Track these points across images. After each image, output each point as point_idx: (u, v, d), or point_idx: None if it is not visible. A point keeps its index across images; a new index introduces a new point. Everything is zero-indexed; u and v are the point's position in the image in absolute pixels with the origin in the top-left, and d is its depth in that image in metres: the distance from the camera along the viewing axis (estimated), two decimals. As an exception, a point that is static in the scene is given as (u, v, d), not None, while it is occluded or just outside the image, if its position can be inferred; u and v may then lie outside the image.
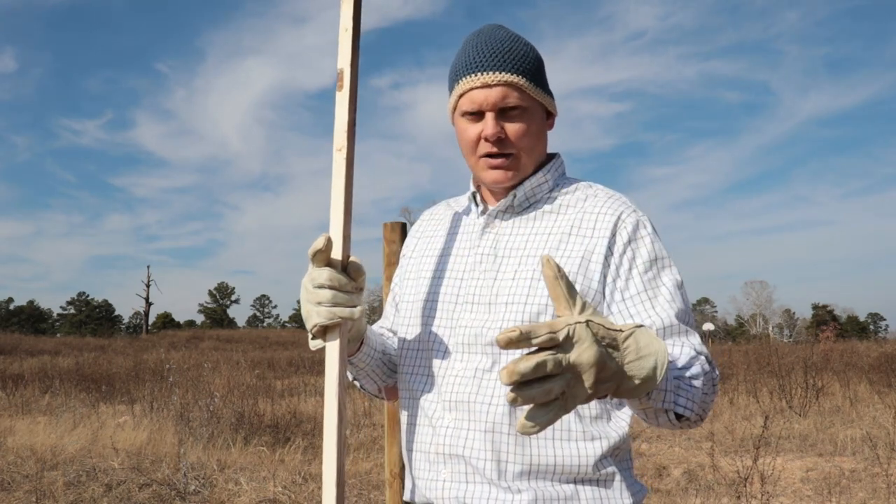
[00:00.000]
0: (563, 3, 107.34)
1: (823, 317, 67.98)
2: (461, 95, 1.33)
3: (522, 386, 0.87)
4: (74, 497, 5.16)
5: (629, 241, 1.27)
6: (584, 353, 0.90)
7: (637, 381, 0.96)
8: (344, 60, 1.28)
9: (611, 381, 0.95)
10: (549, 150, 1.45)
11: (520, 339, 0.86)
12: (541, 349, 0.89)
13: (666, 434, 8.50)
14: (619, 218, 1.29)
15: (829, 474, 6.19)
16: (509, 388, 0.88)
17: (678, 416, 1.12)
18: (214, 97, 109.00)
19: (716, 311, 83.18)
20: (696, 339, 1.23)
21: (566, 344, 0.90)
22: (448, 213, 1.49)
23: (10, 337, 36.22)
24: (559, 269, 0.96)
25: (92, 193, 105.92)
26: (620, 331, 0.96)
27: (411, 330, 1.39)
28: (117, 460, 6.03)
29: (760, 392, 11.07)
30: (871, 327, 79.85)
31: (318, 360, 22.85)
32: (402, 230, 2.84)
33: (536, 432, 0.89)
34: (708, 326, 60.67)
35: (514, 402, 0.87)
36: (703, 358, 1.20)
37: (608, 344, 0.94)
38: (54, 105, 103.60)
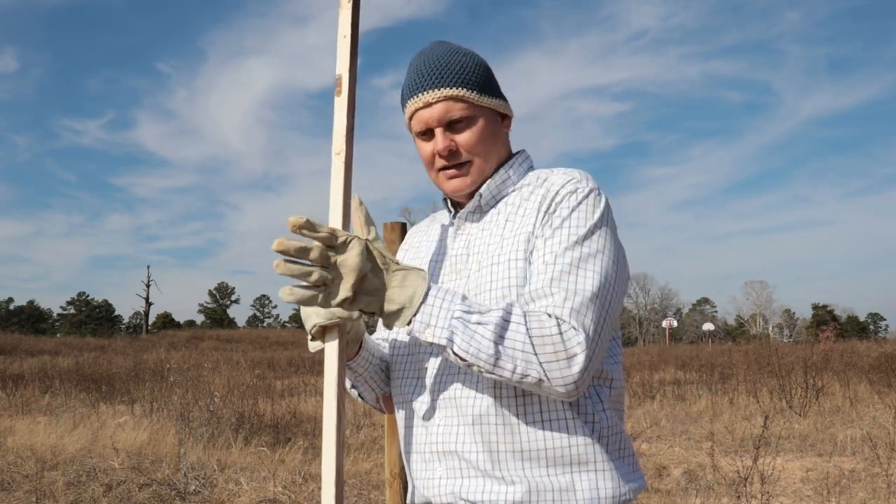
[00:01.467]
0: (565, 3, 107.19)
1: (823, 317, 67.97)
2: (410, 118, 1.40)
3: (289, 261, 1.12)
4: (74, 497, 5.16)
5: (553, 211, 1.29)
6: (349, 258, 1.14)
7: (396, 306, 1.18)
8: (342, 66, 1.30)
9: (373, 296, 1.18)
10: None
11: (302, 226, 1.10)
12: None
13: (666, 434, 8.51)
14: (557, 192, 1.31)
15: (829, 474, 6.19)
16: (280, 258, 1.12)
17: (460, 357, 1.18)
18: (216, 97, 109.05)
19: (716, 311, 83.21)
20: (551, 301, 1.20)
21: (340, 247, 1.14)
22: (432, 225, 1.55)
23: (10, 337, 36.23)
24: (360, 201, 1.26)
25: (92, 193, 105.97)
26: (397, 263, 1.19)
27: (400, 336, 1.45)
28: (117, 460, 6.03)
29: (760, 392, 11.08)
30: (871, 327, 79.85)
31: (318, 360, 22.86)
32: (402, 230, 2.84)
33: (291, 301, 1.13)
34: (708, 326, 60.73)
35: (275, 269, 1.12)
36: (530, 316, 1.17)
37: (380, 264, 1.18)
38: (55, 105, 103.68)
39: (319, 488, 5.56)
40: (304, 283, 1.14)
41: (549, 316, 1.18)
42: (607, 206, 1.32)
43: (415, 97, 1.37)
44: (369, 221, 1.24)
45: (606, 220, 1.30)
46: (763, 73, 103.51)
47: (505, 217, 1.37)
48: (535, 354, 1.15)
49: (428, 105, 1.35)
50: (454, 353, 1.18)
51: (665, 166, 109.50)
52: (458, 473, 1.30)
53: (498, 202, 1.41)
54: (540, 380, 1.16)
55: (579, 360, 1.16)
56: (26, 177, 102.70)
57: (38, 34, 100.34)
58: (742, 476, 5.30)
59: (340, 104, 1.29)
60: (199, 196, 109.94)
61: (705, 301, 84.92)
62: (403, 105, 1.41)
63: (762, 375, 12.00)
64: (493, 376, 1.19)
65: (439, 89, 1.34)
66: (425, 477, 1.35)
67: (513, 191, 1.40)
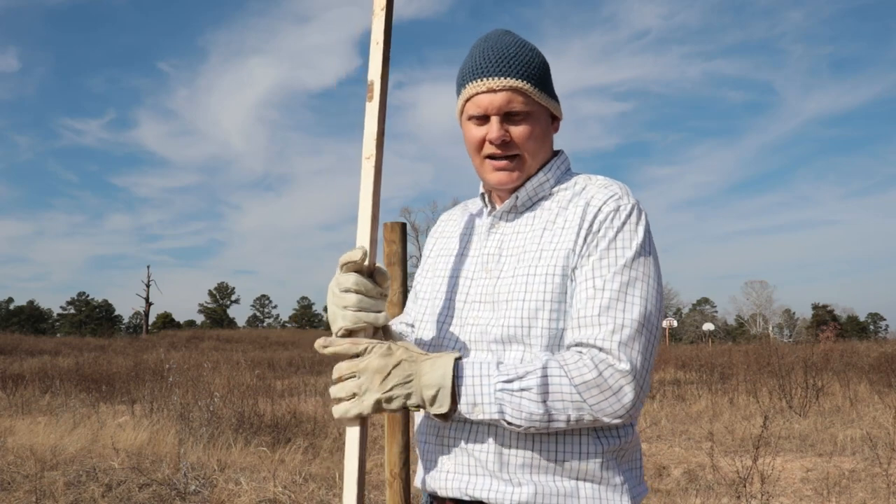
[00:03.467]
0: (567, 3, 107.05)
1: (823, 317, 67.96)
2: (468, 100, 1.38)
3: (333, 386, 1.26)
4: (74, 497, 5.16)
5: (599, 230, 1.30)
6: (371, 362, 1.22)
7: (433, 390, 1.21)
8: (374, 72, 1.33)
9: (407, 387, 1.22)
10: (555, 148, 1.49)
11: (324, 347, 1.25)
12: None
13: (666, 434, 8.50)
14: (600, 208, 1.32)
15: (829, 474, 6.19)
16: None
17: (515, 426, 1.22)
18: (217, 96, 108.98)
19: (716, 311, 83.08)
20: (598, 332, 1.23)
21: (363, 354, 1.24)
22: (464, 214, 1.56)
23: (10, 337, 36.21)
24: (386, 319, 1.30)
25: (93, 193, 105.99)
26: (424, 354, 1.24)
27: (427, 327, 1.46)
28: (117, 460, 6.03)
29: (760, 392, 11.07)
30: (871, 327, 79.83)
31: (318, 360, 22.84)
32: (403, 230, 2.84)
33: (342, 420, 1.24)
34: (708, 326, 60.65)
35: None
36: (568, 365, 1.20)
37: (408, 359, 1.23)
38: (56, 104, 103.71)
39: (319, 488, 5.56)
40: (343, 397, 1.24)
41: (583, 354, 1.22)
42: (647, 222, 1.33)
43: (478, 80, 1.36)
44: (393, 336, 1.33)
45: (649, 239, 1.32)
46: (765, 73, 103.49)
47: (542, 225, 1.37)
48: (584, 401, 1.20)
49: (492, 91, 1.34)
50: (507, 423, 1.22)
51: (667, 166, 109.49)
52: (467, 470, 1.32)
53: (534, 204, 1.41)
54: (594, 419, 1.21)
55: (626, 392, 1.20)
56: (28, 177, 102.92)
57: (39, 34, 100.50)
58: (742, 476, 5.30)
59: (372, 109, 1.31)
60: (200, 196, 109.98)
61: (705, 301, 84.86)
62: (462, 86, 1.40)
63: (762, 375, 12.00)
64: (551, 431, 1.24)
65: (505, 78, 1.34)
66: (434, 469, 1.37)
67: (549, 194, 1.41)
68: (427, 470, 1.39)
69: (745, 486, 5.22)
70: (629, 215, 1.31)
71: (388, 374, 1.21)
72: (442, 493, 1.35)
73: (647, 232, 1.32)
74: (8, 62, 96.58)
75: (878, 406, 9.79)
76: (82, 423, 8.58)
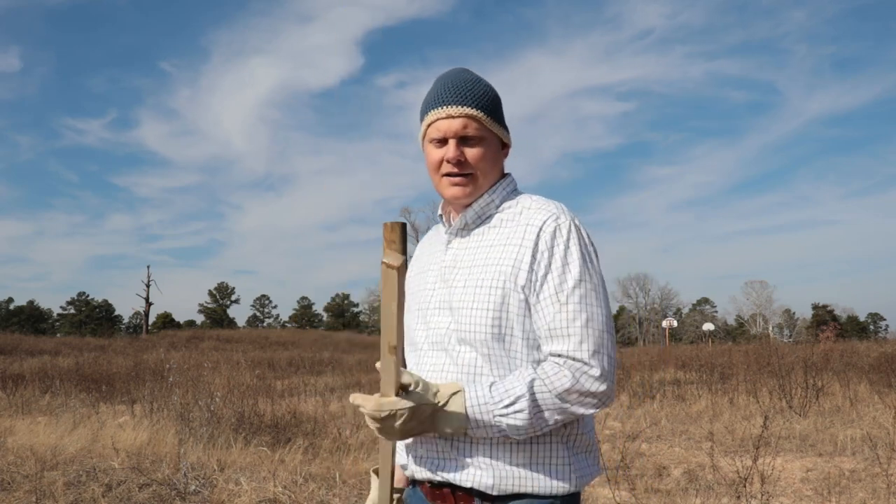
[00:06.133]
0: (570, 2, 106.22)
1: (823, 317, 68.02)
2: (429, 125, 1.57)
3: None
4: (74, 497, 5.16)
5: (546, 249, 1.47)
6: (397, 428, 1.41)
7: (451, 429, 1.42)
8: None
9: (421, 426, 1.41)
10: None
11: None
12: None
13: (666, 434, 8.50)
14: (541, 228, 1.49)
15: (829, 474, 6.19)
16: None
17: (515, 436, 1.43)
18: (219, 96, 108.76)
19: (716, 311, 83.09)
20: (568, 344, 1.42)
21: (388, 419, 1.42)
22: (435, 235, 1.76)
23: (10, 337, 36.20)
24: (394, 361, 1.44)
25: (94, 193, 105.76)
26: (433, 402, 1.41)
27: (409, 333, 1.66)
28: (117, 460, 6.03)
29: (760, 392, 11.07)
30: (871, 327, 79.85)
31: (318, 360, 22.86)
32: (403, 230, 2.84)
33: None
34: (708, 326, 60.67)
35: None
36: (548, 378, 1.41)
37: (420, 415, 1.41)
38: (57, 104, 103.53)
39: (319, 488, 5.55)
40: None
41: (561, 366, 1.41)
42: (587, 234, 1.52)
43: (439, 108, 1.54)
44: (399, 375, 1.44)
45: (591, 249, 1.51)
46: (768, 73, 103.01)
47: (490, 242, 1.55)
48: (565, 405, 1.41)
49: (450, 117, 1.53)
50: (507, 436, 1.42)
51: (668, 166, 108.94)
52: (436, 455, 1.52)
53: (483, 222, 1.59)
54: (577, 414, 1.43)
55: (601, 389, 1.42)
56: (28, 176, 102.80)
57: (40, 33, 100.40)
58: (742, 476, 5.30)
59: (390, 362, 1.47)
60: (201, 196, 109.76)
61: (705, 301, 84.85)
62: (424, 114, 1.58)
63: (762, 375, 11.99)
64: (544, 432, 1.45)
65: (462, 106, 1.53)
66: (410, 454, 1.57)
67: (495, 212, 1.59)
68: (405, 455, 1.58)
69: (745, 486, 5.21)
70: (569, 232, 1.48)
71: (411, 431, 1.42)
72: (417, 475, 1.54)
73: (589, 241, 1.51)
74: (9, 62, 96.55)
75: (878, 406, 9.79)
76: (82, 423, 8.58)
